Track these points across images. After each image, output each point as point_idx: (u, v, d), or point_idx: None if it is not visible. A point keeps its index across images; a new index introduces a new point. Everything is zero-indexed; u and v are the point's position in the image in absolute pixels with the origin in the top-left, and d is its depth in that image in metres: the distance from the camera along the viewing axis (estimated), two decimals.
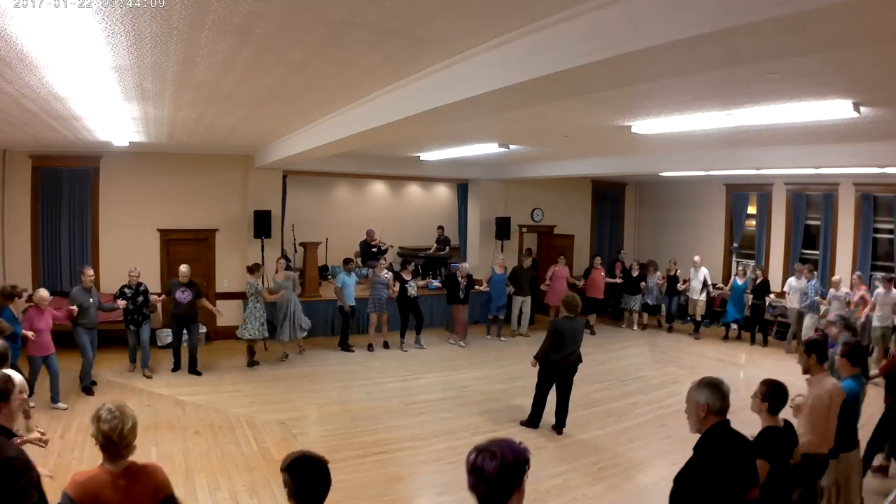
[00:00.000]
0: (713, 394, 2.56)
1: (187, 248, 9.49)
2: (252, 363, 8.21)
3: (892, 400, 4.68)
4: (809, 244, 10.67)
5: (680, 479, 2.51)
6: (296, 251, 11.13)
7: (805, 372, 3.78)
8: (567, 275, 10.78)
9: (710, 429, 2.57)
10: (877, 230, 9.72)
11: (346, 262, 9.30)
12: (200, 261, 9.47)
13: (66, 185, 8.80)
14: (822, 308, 8.81)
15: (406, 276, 9.44)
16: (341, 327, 9.28)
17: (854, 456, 3.95)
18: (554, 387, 6.02)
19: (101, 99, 4.90)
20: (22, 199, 8.60)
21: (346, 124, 5.33)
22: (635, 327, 11.28)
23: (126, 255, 8.78)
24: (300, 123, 6.37)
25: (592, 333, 10.62)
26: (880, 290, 8.29)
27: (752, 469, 2.62)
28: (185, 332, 7.85)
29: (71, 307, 6.62)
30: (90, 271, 7.07)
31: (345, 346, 9.15)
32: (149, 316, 7.62)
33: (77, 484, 2.14)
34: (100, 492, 2.12)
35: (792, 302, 9.32)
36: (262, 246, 9.61)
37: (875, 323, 8.12)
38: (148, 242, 9.28)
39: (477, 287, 10.30)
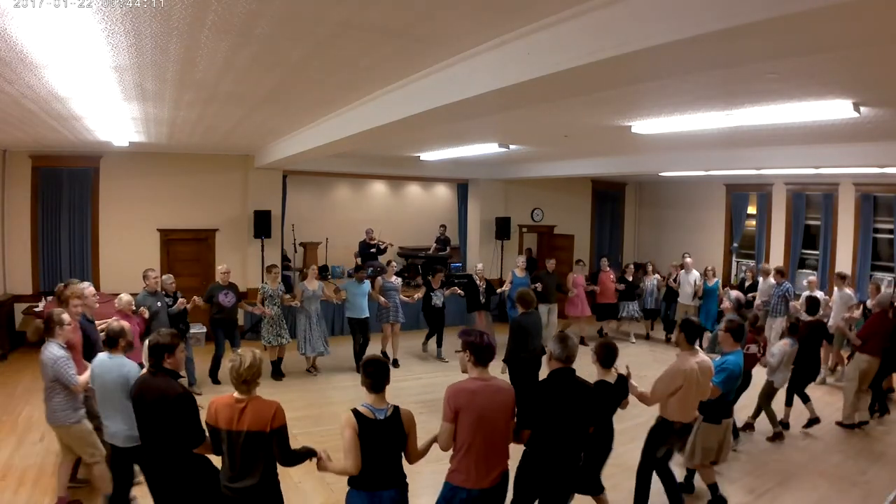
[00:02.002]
0: (556, 345, 3.29)
1: (187, 248, 9.50)
2: (279, 375, 7.68)
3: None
4: (809, 244, 10.67)
5: (521, 406, 3.18)
6: (296, 251, 11.13)
7: (677, 345, 4.41)
8: (584, 282, 10.02)
9: (551, 371, 3.32)
10: (877, 230, 9.72)
11: (357, 269, 8.60)
12: (200, 261, 9.49)
13: (66, 185, 8.81)
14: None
15: (434, 284, 8.70)
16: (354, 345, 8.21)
17: (727, 423, 4.54)
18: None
19: (101, 99, 4.90)
20: (22, 199, 8.60)
21: (346, 124, 5.33)
22: (633, 339, 10.27)
23: (126, 255, 8.79)
24: (300, 123, 6.37)
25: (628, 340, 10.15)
26: (834, 289, 8.08)
27: (588, 410, 3.30)
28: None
29: (142, 309, 6.05)
30: (155, 273, 6.49)
31: (358, 367, 7.97)
32: (189, 326, 6.95)
33: (208, 405, 2.94)
34: (219, 411, 2.87)
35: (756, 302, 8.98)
36: (262, 246, 9.61)
37: (829, 322, 7.56)
38: (148, 242, 9.28)
39: (498, 290, 9.43)
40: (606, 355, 3.92)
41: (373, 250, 11.41)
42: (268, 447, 2.87)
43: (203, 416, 3.02)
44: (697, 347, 4.26)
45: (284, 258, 10.75)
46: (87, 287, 5.06)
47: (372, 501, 2.85)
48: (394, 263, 9.08)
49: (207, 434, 2.99)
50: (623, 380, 3.99)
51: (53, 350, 3.92)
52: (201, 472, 3.22)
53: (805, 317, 6.36)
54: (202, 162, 9.48)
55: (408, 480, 3.02)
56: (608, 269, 10.31)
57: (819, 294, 8.34)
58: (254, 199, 9.74)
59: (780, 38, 2.13)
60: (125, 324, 3.93)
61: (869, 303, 7.58)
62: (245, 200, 9.82)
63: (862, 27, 1.99)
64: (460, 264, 12.33)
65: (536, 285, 8.93)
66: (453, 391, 2.98)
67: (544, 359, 3.46)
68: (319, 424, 6.11)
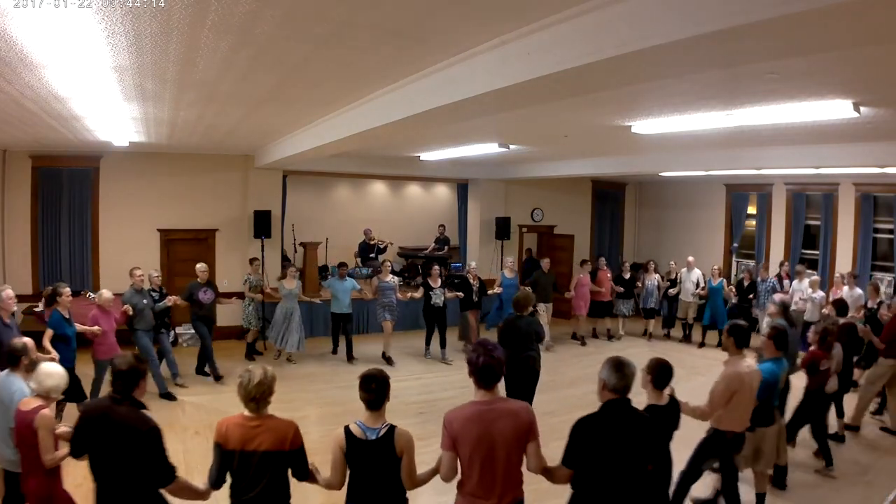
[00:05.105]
0: (611, 373, 2.80)
1: (187, 248, 9.49)
2: (252, 355, 8.40)
3: (814, 387, 5.04)
4: (809, 244, 10.67)
5: (569, 446, 2.77)
6: (296, 251, 11.12)
7: (724, 350, 4.11)
8: (589, 281, 10.07)
9: (605, 404, 2.82)
10: (877, 230, 9.73)
11: (340, 266, 8.87)
12: (200, 261, 9.46)
13: (66, 185, 8.81)
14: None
15: (433, 283, 8.67)
16: (333, 335, 8.79)
17: (771, 430, 4.32)
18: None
19: (101, 99, 4.90)
20: (22, 199, 8.60)
21: (346, 124, 5.33)
22: (621, 332, 10.51)
23: (126, 255, 8.78)
24: (300, 123, 6.37)
25: (616, 338, 10.36)
26: (845, 288, 8.06)
27: (649, 446, 2.81)
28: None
29: (125, 307, 6.34)
30: (140, 271, 6.75)
31: (343, 352, 8.65)
32: (170, 324, 7.32)
33: (217, 425, 2.81)
34: (228, 431, 2.74)
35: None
36: (262, 246, 9.61)
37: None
38: (148, 242, 9.28)
39: (490, 291, 9.41)
40: (661, 375, 3.44)
41: (372, 254, 11.41)
42: (283, 465, 2.78)
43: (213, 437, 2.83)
44: (745, 351, 4.03)
45: (284, 258, 10.76)
46: (6, 290, 5.00)
47: None
48: (388, 263, 9.03)
49: (218, 457, 2.77)
50: (675, 402, 3.58)
51: None
52: None
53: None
54: (202, 162, 9.48)
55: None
56: (605, 267, 10.45)
57: (820, 293, 8.40)
58: (254, 199, 9.74)
59: (780, 38, 2.13)
60: (28, 341, 3.76)
61: (869, 303, 7.56)
62: (245, 200, 9.82)
63: (862, 27, 1.99)
64: (460, 264, 12.32)
65: (526, 288, 8.99)
66: (448, 418, 2.75)
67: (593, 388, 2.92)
68: (322, 424, 6.12)
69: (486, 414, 2.71)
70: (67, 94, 4.72)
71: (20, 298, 8.36)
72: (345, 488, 2.82)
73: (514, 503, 2.73)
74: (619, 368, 2.80)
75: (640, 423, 2.83)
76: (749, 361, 3.99)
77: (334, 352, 8.83)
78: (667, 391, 3.52)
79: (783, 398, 4.82)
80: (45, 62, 3.70)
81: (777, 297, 5.93)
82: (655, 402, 3.47)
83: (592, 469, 2.74)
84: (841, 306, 6.40)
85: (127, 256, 8.68)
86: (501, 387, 2.86)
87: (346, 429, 2.75)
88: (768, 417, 4.30)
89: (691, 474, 4.05)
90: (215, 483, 2.81)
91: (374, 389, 2.76)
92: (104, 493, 2.72)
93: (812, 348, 5.13)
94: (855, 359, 6.46)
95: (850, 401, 6.13)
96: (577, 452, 2.75)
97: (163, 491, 2.80)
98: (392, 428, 2.75)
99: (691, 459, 4.05)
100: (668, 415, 3.47)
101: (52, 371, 3.30)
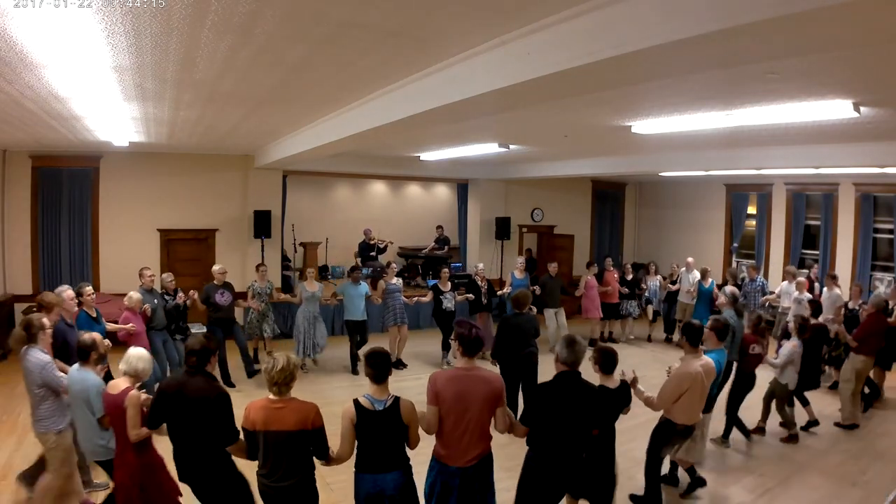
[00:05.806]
0: (564, 348, 3.32)
1: (187, 248, 9.50)
2: (258, 359, 7.92)
3: (743, 368, 5.53)
4: (809, 244, 10.68)
5: (511, 400, 3.32)
6: (296, 251, 11.13)
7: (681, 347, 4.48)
8: (597, 283, 9.83)
9: (557, 374, 3.36)
10: (877, 230, 9.73)
11: (352, 270, 8.31)
12: (200, 261, 9.48)
13: (66, 185, 8.81)
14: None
15: (443, 286, 8.35)
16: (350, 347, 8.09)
17: (707, 417, 4.78)
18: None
19: (101, 99, 4.90)
20: (22, 199, 8.60)
21: (346, 124, 5.33)
22: (631, 335, 10.32)
23: (126, 255, 8.79)
24: (300, 123, 6.37)
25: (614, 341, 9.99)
26: (824, 289, 7.96)
27: (593, 413, 3.34)
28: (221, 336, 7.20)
29: (145, 307, 6.13)
30: (150, 271, 6.58)
31: (354, 369, 8.00)
32: (186, 323, 6.98)
33: (245, 410, 3.10)
34: (255, 414, 3.03)
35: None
36: (262, 246, 9.61)
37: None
38: (148, 242, 9.29)
39: (499, 292, 9.24)
40: (606, 361, 3.82)
41: (373, 252, 11.40)
42: (306, 445, 3.05)
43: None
44: (701, 349, 4.31)
45: (284, 258, 10.75)
46: (66, 290, 4.99)
47: (376, 483, 3.07)
48: (394, 265, 8.80)
49: (242, 436, 3.14)
50: (626, 386, 3.89)
51: (38, 356, 3.87)
52: (233, 468, 3.35)
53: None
54: (202, 162, 9.48)
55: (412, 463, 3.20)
56: (612, 269, 10.23)
57: (807, 295, 8.31)
58: (254, 199, 9.74)
59: (780, 38, 2.13)
60: (97, 336, 3.88)
61: (851, 304, 7.55)
62: (245, 200, 9.82)
63: (862, 27, 1.99)
64: (460, 264, 12.32)
65: (535, 288, 8.84)
66: (433, 378, 3.28)
67: (548, 360, 3.51)
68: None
69: (464, 378, 3.21)
70: (67, 94, 4.72)
71: (20, 298, 8.44)
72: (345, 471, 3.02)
73: (483, 454, 3.22)
74: (571, 345, 3.32)
75: (587, 392, 3.33)
76: (704, 359, 4.26)
77: (354, 370, 8.04)
78: (617, 376, 3.89)
79: (720, 389, 5.32)
80: (45, 62, 3.70)
81: (728, 289, 6.20)
82: (606, 384, 3.82)
83: (544, 428, 3.27)
84: (815, 307, 6.75)
85: (127, 256, 8.69)
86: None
87: (356, 401, 3.06)
88: (708, 404, 4.66)
89: (654, 462, 4.36)
90: (251, 455, 3.16)
91: (379, 365, 3.11)
92: (181, 452, 3.24)
93: (745, 332, 5.58)
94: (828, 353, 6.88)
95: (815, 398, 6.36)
96: (532, 413, 3.30)
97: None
98: (397, 399, 3.11)
99: (649, 448, 4.40)
100: (617, 397, 3.82)
101: (142, 355, 3.63)
